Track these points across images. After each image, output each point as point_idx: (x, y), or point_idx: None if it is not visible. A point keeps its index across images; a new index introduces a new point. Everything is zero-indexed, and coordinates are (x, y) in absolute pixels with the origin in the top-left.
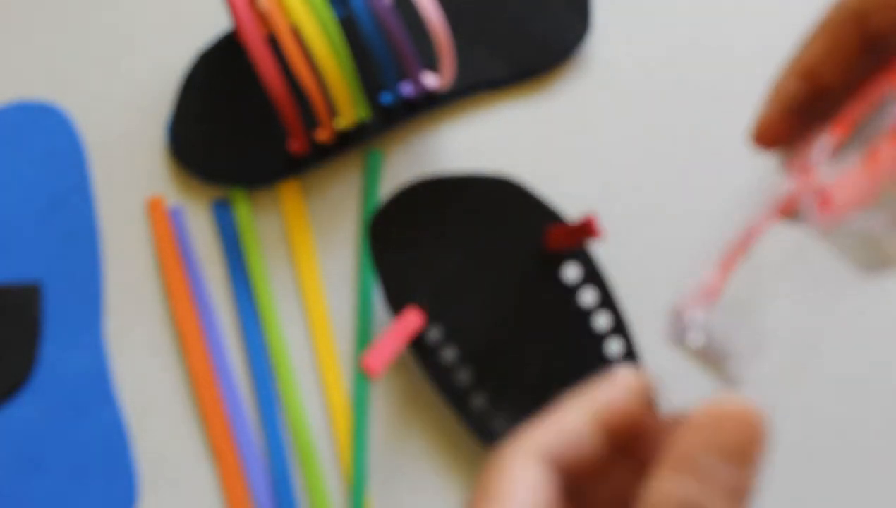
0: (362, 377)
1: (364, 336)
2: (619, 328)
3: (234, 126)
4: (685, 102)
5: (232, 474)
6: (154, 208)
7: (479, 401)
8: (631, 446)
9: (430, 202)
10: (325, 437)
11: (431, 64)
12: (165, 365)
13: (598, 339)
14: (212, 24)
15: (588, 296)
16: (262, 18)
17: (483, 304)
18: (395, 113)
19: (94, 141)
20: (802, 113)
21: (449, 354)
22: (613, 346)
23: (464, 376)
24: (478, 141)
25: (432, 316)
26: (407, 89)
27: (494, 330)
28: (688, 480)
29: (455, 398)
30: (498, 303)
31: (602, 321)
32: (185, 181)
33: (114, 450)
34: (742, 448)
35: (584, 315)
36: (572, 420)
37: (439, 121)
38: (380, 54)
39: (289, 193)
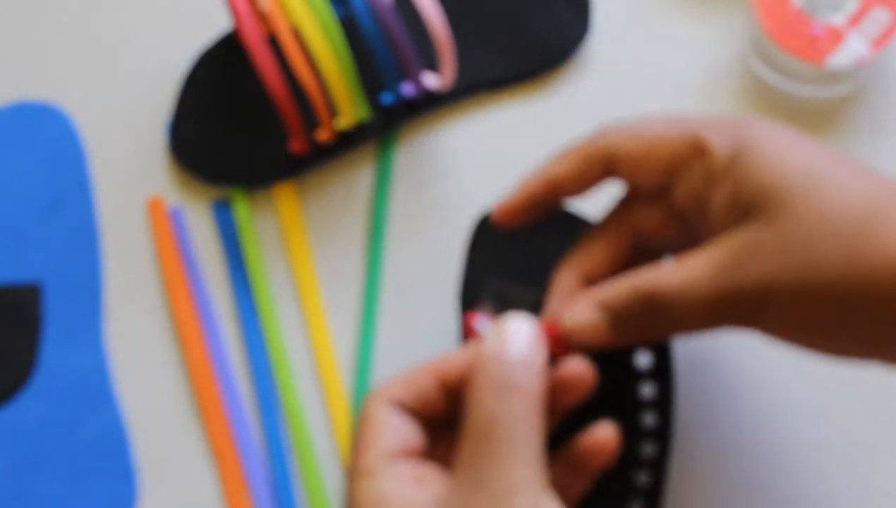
0: (363, 378)
1: (367, 335)
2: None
3: (234, 126)
4: (685, 102)
5: (232, 474)
6: (154, 208)
7: None
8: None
9: (538, 230)
10: (324, 438)
11: (432, 64)
12: (165, 365)
13: (637, 436)
14: (212, 24)
15: (647, 390)
16: (263, 18)
17: None
18: (396, 113)
19: (94, 141)
20: (536, 205)
21: None
22: (647, 448)
23: None
24: (478, 141)
25: None
26: (407, 89)
27: None
28: (482, 368)
29: None
30: None
31: (648, 419)
32: (185, 181)
33: (114, 450)
34: (513, 340)
35: (636, 406)
36: (418, 376)
37: (439, 121)
38: (380, 54)
39: (284, 195)
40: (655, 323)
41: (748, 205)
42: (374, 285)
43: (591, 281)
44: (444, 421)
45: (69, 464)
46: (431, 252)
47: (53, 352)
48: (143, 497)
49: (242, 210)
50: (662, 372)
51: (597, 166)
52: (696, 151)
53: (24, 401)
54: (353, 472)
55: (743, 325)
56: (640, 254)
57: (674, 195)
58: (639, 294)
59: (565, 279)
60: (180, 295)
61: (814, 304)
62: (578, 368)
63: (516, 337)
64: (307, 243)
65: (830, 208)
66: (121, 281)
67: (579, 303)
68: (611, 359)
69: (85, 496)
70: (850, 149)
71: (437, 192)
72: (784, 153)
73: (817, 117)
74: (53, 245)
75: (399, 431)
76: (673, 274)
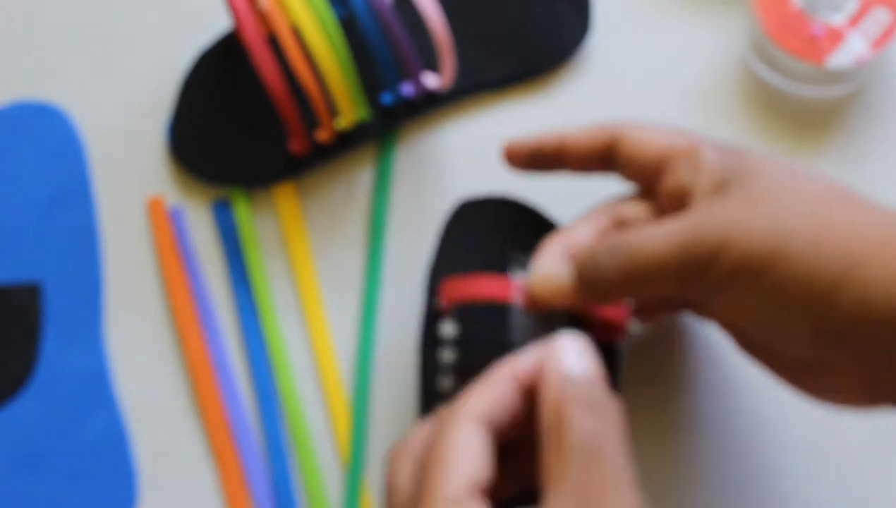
0: (363, 378)
1: (367, 334)
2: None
3: (234, 126)
4: (685, 102)
5: (232, 474)
6: (154, 208)
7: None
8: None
9: (510, 220)
10: (324, 438)
11: (432, 64)
12: (165, 364)
13: None
14: (212, 24)
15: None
16: (262, 18)
17: (502, 331)
18: (396, 113)
19: (94, 141)
20: (542, 157)
21: (447, 355)
22: None
23: (447, 383)
24: (478, 141)
25: (459, 315)
26: (407, 89)
27: (498, 356)
28: (566, 384)
29: (427, 395)
30: (515, 338)
31: None
32: (185, 181)
33: (114, 450)
34: (583, 353)
35: None
36: (499, 386)
37: (440, 121)
38: (380, 54)
39: (284, 195)
40: (621, 274)
41: (725, 185)
42: (373, 285)
43: (561, 150)
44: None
45: (69, 464)
46: (431, 252)
47: (53, 352)
48: (143, 497)
49: (242, 210)
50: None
51: (603, 142)
52: (689, 151)
53: (24, 401)
54: (432, 497)
55: (696, 279)
56: None
57: (660, 187)
58: (607, 243)
59: (550, 247)
60: (180, 295)
61: (767, 255)
62: None
63: (580, 354)
64: (307, 243)
65: (798, 183)
66: (121, 281)
67: (547, 255)
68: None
69: (85, 496)
70: (850, 149)
71: (437, 192)
72: (777, 166)
73: (817, 117)
74: (53, 245)
75: (483, 459)
76: (642, 228)
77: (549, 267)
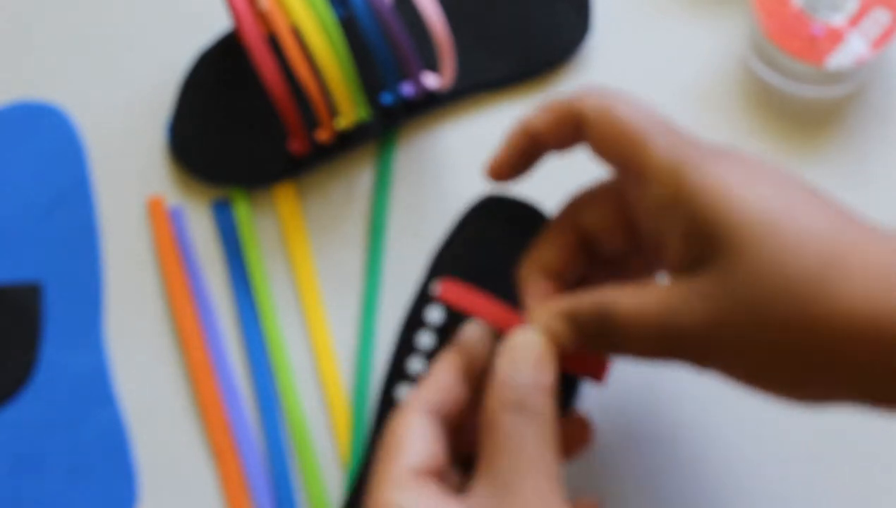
0: (362, 377)
1: (367, 334)
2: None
3: (234, 126)
4: (685, 103)
5: (232, 474)
6: (154, 208)
7: (402, 393)
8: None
9: (514, 222)
10: (324, 438)
11: (432, 64)
12: (165, 364)
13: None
14: (212, 24)
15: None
16: (262, 18)
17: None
18: (396, 113)
19: (94, 141)
20: (522, 158)
21: (425, 340)
22: None
23: (418, 367)
24: (478, 141)
25: (449, 307)
26: (407, 89)
27: None
28: (503, 387)
29: (394, 375)
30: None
31: None
32: (185, 181)
33: (114, 450)
34: (530, 360)
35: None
36: (445, 376)
37: (440, 121)
38: (380, 54)
39: (284, 195)
40: (611, 341)
41: (702, 241)
42: (373, 285)
43: (555, 275)
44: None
45: (69, 464)
46: (431, 252)
47: (53, 352)
48: (143, 497)
49: (242, 210)
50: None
51: (569, 126)
52: (642, 148)
53: (24, 401)
54: (383, 481)
55: (690, 361)
56: (598, 257)
57: (629, 201)
58: (598, 312)
59: (531, 276)
60: (180, 295)
61: (763, 352)
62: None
63: (524, 354)
64: (307, 243)
65: (786, 256)
66: (121, 281)
67: (546, 311)
68: None
69: (85, 496)
70: (849, 149)
71: (437, 192)
72: (740, 185)
73: (817, 117)
74: (53, 245)
75: (428, 445)
76: (630, 300)
77: (548, 326)
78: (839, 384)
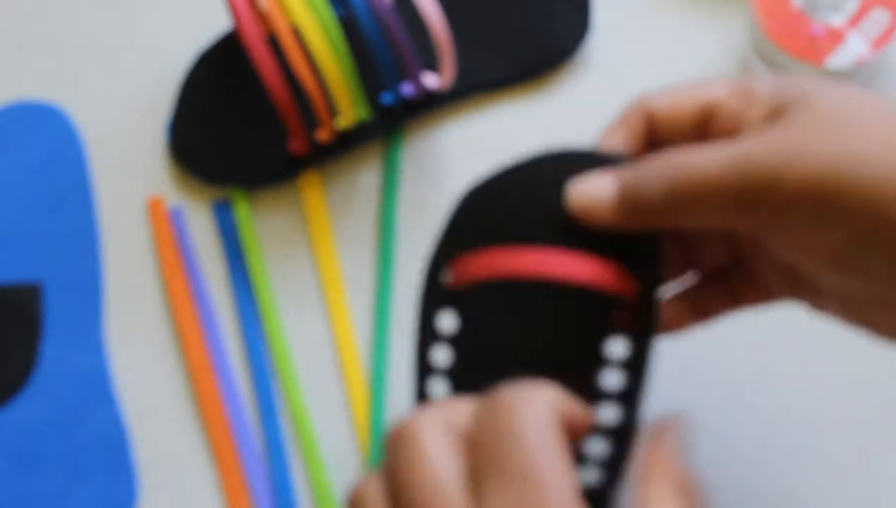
0: (379, 376)
1: (381, 334)
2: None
3: (234, 126)
4: None
5: (232, 474)
6: (154, 208)
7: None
8: None
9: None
10: (342, 436)
11: (431, 64)
12: (165, 365)
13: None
14: (212, 24)
15: (613, 379)
16: (262, 18)
17: (510, 327)
18: (396, 113)
19: (94, 141)
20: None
21: (440, 356)
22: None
23: (440, 388)
24: (478, 141)
25: (459, 301)
26: (407, 89)
27: (501, 360)
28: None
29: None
30: (526, 337)
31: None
32: (185, 181)
33: (114, 450)
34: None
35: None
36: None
37: (439, 121)
38: (380, 54)
39: (308, 187)
40: (669, 194)
41: (783, 111)
42: (386, 282)
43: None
44: None
45: (69, 464)
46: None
47: (53, 352)
48: (143, 497)
49: (242, 210)
50: (636, 365)
51: (639, 128)
52: (737, 92)
53: (24, 401)
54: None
55: (754, 207)
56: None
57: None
58: (654, 162)
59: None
60: (180, 295)
61: (833, 183)
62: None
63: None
64: (330, 236)
65: (865, 103)
66: (121, 281)
67: (594, 175)
68: (577, 341)
69: (85, 496)
70: None
71: (437, 192)
72: (841, 89)
73: None
74: (53, 245)
75: (446, 406)
76: (695, 151)
77: (591, 178)
78: None
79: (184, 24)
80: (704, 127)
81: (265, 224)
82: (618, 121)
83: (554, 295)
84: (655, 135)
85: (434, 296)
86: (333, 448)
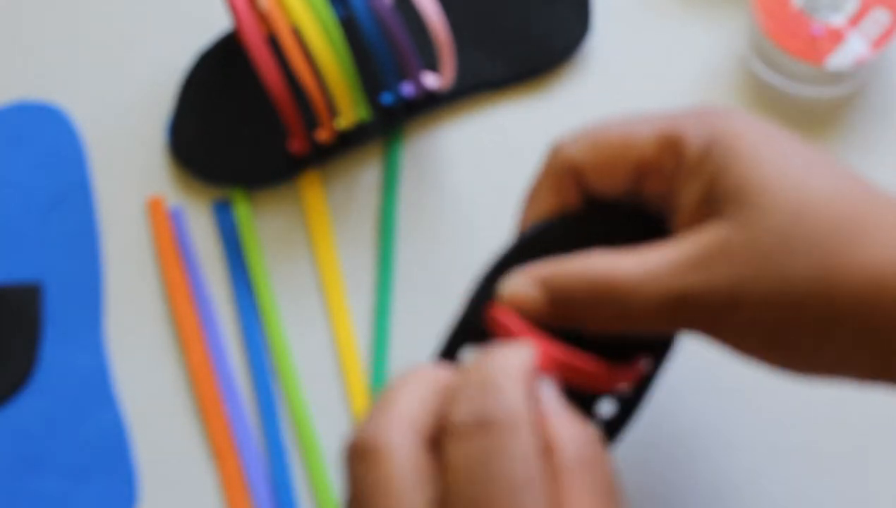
0: (378, 377)
1: (381, 333)
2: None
3: (235, 126)
4: (685, 103)
5: (232, 474)
6: (154, 208)
7: None
8: None
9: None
10: (344, 428)
11: (432, 64)
12: (165, 365)
13: None
14: (212, 24)
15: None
16: (263, 18)
17: None
18: (396, 113)
19: (94, 141)
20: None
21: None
22: None
23: None
24: (478, 141)
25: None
26: (407, 89)
27: None
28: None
29: None
30: None
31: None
32: (185, 181)
33: (114, 450)
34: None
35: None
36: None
37: (439, 121)
38: (380, 54)
39: (309, 187)
40: (602, 314)
41: (721, 201)
42: (386, 283)
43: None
44: None
45: (69, 464)
46: (433, 252)
47: (53, 352)
48: (143, 497)
49: (242, 210)
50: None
51: (570, 188)
52: (667, 147)
53: (24, 401)
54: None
55: (701, 330)
56: None
57: (643, 194)
58: (589, 282)
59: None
60: (180, 295)
61: (784, 313)
62: None
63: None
64: (330, 237)
65: (808, 211)
66: (121, 281)
67: (521, 275)
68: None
69: (85, 496)
70: (849, 149)
71: (437, 192)
72: (762, 147)
73: (817, 117)
74: (53, 245)
75: (429, 381)
76: (632, 266)
77: (519, 291)
78: (856, 349)
79: (184, 24)
80: (637, 180)
81: (265, 224)
82: (541, 180)
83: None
84: (586, 188)
85: (467, 329)
86: (333, 448)
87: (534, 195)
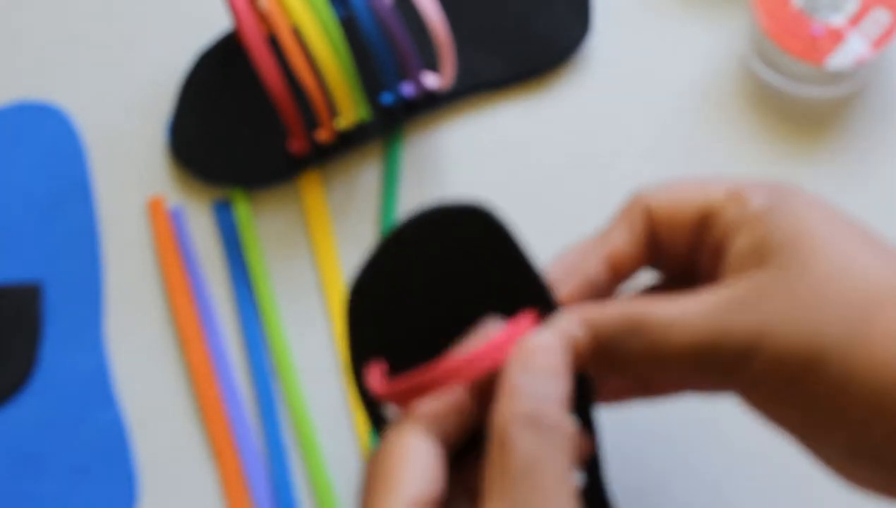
0: None
1: None
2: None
3: (235, 126)
4: (685, 102)
5: (232, 474)
6: (154, 208)
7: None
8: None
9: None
10: (344, 428)
11: (432, 64)
12: (165, 365)
13: None
14: (212, 24)
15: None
16: (263, 18)
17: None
18: (396, 113)
19: (94, 141)
20: (600, 290)
21: None
22: None
23: None
24: (478, 141)
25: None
26: (407, 89)
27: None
28: (515, 399)
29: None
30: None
31: None
32: (185, 181)
33: (114, 450)
34: (546, 366)
35: None
36: (452, 388)
37: (440, 121)
38: (380, 54)
39: (309, 187)
40: (638, 353)
41: (768, 252)
42: None
43: (618, 269)
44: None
45: (69, 464)
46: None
47: (53, 352)
48: (143, 497)
49: (242, 209)
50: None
51: (640, 226)
52: (733, 197)
53: (24, 401)
54: None
55: (724, 377)
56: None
57: (704, 247)
58: (627, 319)
59: (590, 263)
60: (180, 296)
61: (804, 365)
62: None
63: (541, 360)
64: (331, 236)
65: (844, 274)
66: (121, 281)
67: (566, 317)
68: None
69: (85, 496)
70: (849, 149)
71: (437, 192)
72: (819, 213)
73: (817, 117)
74: (53, 245)
75: (429, 472)
76: (667, 305)
77: (567, 331)
78: (869, 428)
79: (184, 24)
80: (701, 229)
81: (265, 224)
82: (621, 217)
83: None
84: (654, 233)
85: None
86: (333, 448)
87: (606, 233)
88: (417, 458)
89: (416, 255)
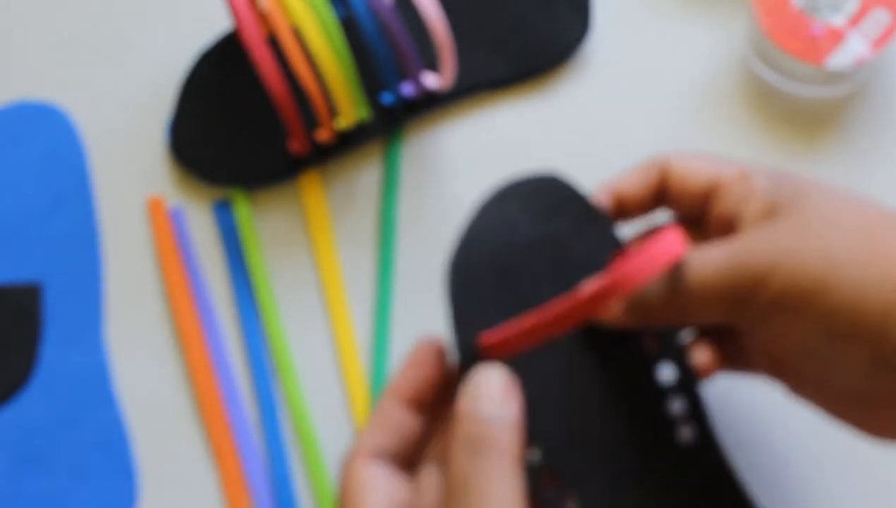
0: (378, 377)
1: (381, 335)
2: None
3: (235, 126)
4: (685, 102)
5: (232, 474)
6: (154, 208)
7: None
8: (436, 400)
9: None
10: (344, 428)
11: (432, 64)
12: (165, 364)
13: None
14: (212, 24)
15: (678, 405)
16: (263, 18)
17: (566, 385)
18: (396, 113)
19: (94, 141)
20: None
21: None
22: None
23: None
24: (478, 141)
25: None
26: (408, 89)
27: (565, 408)
28: (458, 422)
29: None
30: (575, 383)
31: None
32: (185, 181)
33: (114, 450)
34: (489, 394)
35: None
36: (389, 410)
37: (440, 121)
38: (380, 54)
39: (309, 187)
40: (667, 299)
41: (779, 207)
42: (386, 283)
43: (620, 204)
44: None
45: (69, 464)
46: (433, 252)
47: (53, 352)
48: (143, 496)
49: (242, 210)
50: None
51: (654, 182)
52: (742, 176)
53: (25, 401)
54: None
55: (743, 306)
56: None
57: (709, 215)
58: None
59: (599, 196)
60: (180, 295)
61: (817, 283)
62: None
63: (488, 390)
64: (331, 237)
65: (849, 206)
66: (121, 281)
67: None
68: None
69: (85, 495)
70: (849, 149)
71: (437, 192)
72: (823, 184)
73: (817, 117)
74: (53, 245)
75: (387, 491)
76: (695, 253)
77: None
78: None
79: (184, 24)
80: (707, 201)
81: (265, 224)
82: (639, 167)
83: (590, 345)
84: (664, 192)
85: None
86: (333, 448)
87: (623, 176)
88: (375, 486)
89: (506, 222)
